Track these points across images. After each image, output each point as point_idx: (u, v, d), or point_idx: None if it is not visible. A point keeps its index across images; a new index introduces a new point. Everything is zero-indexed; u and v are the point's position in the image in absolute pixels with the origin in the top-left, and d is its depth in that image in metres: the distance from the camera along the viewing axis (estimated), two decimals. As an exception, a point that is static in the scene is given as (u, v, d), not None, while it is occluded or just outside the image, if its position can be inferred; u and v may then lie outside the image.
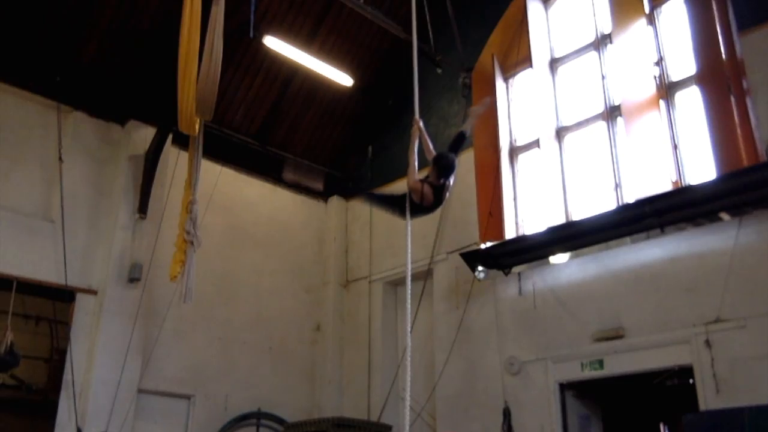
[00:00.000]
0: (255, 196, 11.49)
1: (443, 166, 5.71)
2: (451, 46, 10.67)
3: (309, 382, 11.34)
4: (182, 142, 9.00)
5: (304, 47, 10.71)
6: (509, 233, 9.68)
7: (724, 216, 7.53)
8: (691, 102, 8.40)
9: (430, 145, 6.19)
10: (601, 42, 9.55)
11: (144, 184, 9.65)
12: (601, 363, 8.27)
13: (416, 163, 5.95)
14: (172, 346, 9.78)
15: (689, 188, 7.83)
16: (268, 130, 11.50)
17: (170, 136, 9.69)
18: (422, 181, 5.74)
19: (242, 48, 10.54)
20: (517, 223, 9.87)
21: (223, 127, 10.94)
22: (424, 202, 5.70)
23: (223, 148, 10.86)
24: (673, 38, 8.75)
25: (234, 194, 11.11)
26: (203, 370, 10.09)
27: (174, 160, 9.74)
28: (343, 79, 11.08)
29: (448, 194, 5.90)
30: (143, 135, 9.92)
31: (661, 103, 8.57)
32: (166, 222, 9.39)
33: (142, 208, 9.59)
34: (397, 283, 11.22)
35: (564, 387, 8.61)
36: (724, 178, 7.48)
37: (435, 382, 9.80)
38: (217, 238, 10.60)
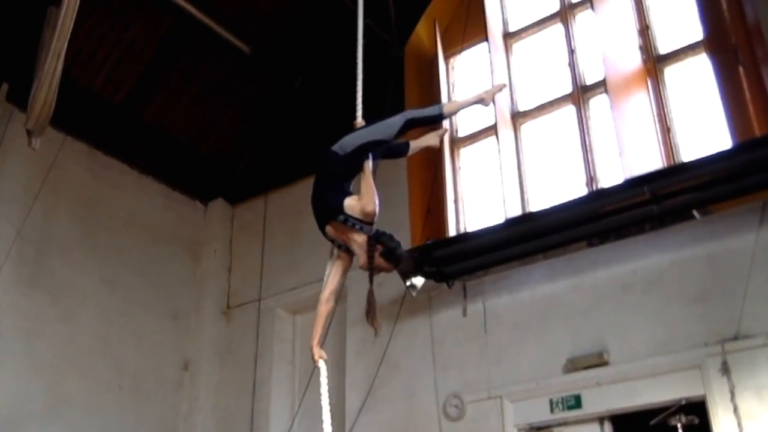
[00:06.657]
0: (110, 183, 8.68)
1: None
2: (382, 9, 8.67)
3: (169, 437, 8.46)
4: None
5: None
6: (452, 233, 7.70)
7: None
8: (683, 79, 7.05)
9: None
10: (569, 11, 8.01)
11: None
12: (578, 399, 6.47)
13: None
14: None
15: (697, 163, 6.16)
16: (138, 100, 8.83)
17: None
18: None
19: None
20: (459, 223, 7.94)
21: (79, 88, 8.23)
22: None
23: (72, 114, 8.06)
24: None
25: (82, 178, 8.35)
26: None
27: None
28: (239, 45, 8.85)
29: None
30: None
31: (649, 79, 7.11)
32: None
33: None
34: (297, 310, 8.92)
35: (527, 433, 6.70)
36: (739, 149, 6.02)
37: (347, 433, 7.57)
38: (59, 231, 7.94)
